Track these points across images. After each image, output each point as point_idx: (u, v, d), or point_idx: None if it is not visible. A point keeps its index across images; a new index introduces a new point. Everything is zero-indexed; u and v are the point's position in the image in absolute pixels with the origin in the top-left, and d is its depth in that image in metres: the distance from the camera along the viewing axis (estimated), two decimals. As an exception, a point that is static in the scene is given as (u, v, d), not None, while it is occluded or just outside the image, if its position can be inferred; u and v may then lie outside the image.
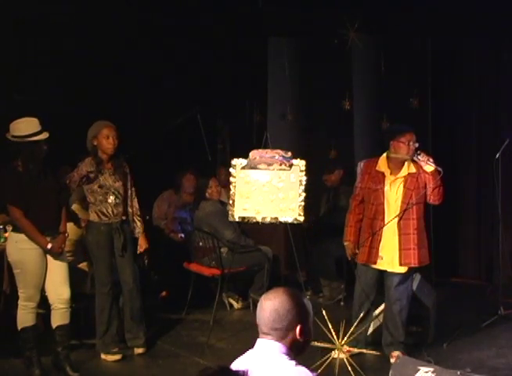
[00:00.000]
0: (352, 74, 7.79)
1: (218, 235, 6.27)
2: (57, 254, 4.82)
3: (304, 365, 2.36)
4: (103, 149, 5.18)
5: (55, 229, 4.84)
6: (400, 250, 4.92)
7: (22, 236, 4.74)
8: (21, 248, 4.75)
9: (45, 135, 4.73)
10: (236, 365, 2.37)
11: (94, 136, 5.18)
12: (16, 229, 4.80)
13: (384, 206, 4.94)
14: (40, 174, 4.78)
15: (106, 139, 5.15)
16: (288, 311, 2.37)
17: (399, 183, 4.93)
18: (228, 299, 6.63)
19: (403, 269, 4.97)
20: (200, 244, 6.34)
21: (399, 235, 4.91)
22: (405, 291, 5.04)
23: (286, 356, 2.36)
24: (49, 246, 4.75)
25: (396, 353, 4.99)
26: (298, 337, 2.38)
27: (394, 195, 4.93)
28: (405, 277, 5.02)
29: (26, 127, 4.72)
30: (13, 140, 4.72)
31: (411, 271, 5.05)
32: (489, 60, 7.23)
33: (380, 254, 4.97)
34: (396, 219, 4.90)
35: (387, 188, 4.94)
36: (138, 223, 5.35)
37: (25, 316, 4.80)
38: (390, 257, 4.96)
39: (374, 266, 5.03)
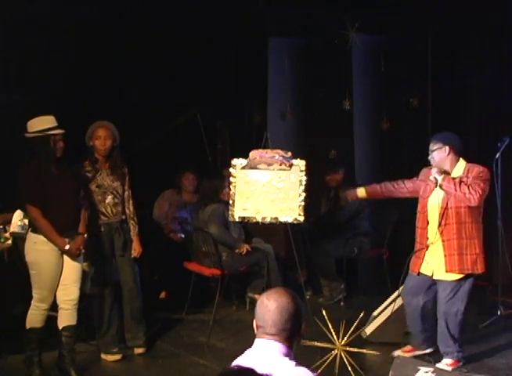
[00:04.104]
0: (352, 74, 7.78)
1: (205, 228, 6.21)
2: (75, 255, 4.80)
3: (304, 365, 2.37)
4: (97, 149, 5.24)
5: (73, 229, 4.80)
6: (445, 256, 4.83)
7: (40, 238, 4.69)
8: (39, 249, 4.70)
9: (59, 131, 4.71)
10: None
11: (90, 137, 5.25)
12: (35, 229, 4.73)
13: (428, 213, 4.90)
14: (60, 174, 4.75)
15: (98, 140, 5.22)
16: (296, 310, 2.42)
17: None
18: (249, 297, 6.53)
19: (451, 277, 4.85)
20: (203, 249, 6.28)
21: (442, 241, 4.84)
22: (453, 305, 4.88)
23: (286, 357, 2.36)
24: (67, 247, 4.71)
25: (396, 353, 5.00)
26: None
27: (440, 201, 4.85)
28: (455, 290, 4.86)
29: (41, 122, 4.71)
30: (28, 136, 4.70)
31: (461, 282, 4.86)
32: (489, 60, 7.22)
33: (425, 258, 4.93)
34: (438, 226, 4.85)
35: (434, 195, 4.88)
36: (132, 227, 5.36)
37: (35, 317, 4.77)
38: (436, 263, 4.88)
39: (422, 272, 4.96)
